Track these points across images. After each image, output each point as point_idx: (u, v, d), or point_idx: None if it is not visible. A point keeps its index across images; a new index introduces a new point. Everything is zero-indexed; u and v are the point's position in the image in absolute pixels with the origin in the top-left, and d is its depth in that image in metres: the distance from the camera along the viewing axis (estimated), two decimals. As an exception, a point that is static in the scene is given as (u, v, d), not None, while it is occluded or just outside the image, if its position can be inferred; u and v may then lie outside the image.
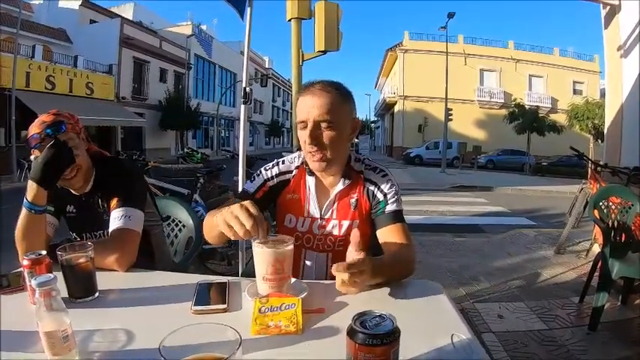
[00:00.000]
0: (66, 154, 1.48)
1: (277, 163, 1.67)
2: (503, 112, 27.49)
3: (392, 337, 0.74)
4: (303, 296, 1.13)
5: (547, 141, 24.15)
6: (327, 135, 1.44)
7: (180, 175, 5.36)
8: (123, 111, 23.63)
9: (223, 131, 39.76)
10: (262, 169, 1.68)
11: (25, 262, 1.14)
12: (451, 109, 23.42)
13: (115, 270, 1.44)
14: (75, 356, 0.89)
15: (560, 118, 24.08)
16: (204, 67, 35.68)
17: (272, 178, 1.64)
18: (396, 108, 36.29)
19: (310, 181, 1.59)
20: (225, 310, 1.12)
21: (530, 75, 34.84)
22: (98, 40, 23.52)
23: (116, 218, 1.59)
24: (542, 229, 6.83)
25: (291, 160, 1.67)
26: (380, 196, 1.56)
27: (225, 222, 1.16)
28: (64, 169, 1.51)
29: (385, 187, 1.57)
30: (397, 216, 1.53)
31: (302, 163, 1.63)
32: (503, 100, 33.30)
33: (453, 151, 25.86)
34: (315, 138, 1.44)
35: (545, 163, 24.26)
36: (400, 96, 34.62)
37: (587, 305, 3.35)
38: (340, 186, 1.56)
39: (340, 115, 1.45)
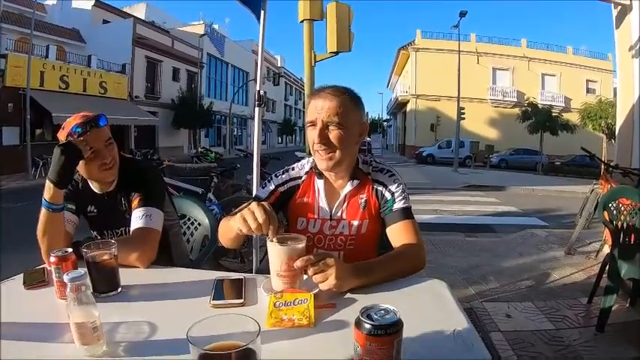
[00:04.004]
0: (76, 154, 1.55)
1: (287, 170, 1.75)
2: (516, 111, 27.19)
3: (395, 328, 0.80)
4: (315, 292, 1.20)
5: (560, 140, 23.80)
6: (335, 135, 1.51)
7: (194, 174, 5.41)
8: (136, 110, 23.77)
9: (236, 130, 39.82)
10: (273, 175, 1.76)
11: (53, 259, 1.22)
12: (463, 108, 23.23)
13: (136, 267, 1.52)
14: (103, 346, 0.97)
15: (574, 117, 23.66)
16: (216, 66, 35.65)
17: (283, 184, 1.71)
18: (409, 107, 36.14)
19: (319, 183, 1.66)
20: (242, 305, 1.19)
21: (543, 74, 34.47)
22: (111, 40, 23.66)
23: (137, 217, 1.67)
24: (554, 229, 6.74)
25: (300, 167, 1.74)
26: (388, 195, 1.62)
27: (242, 216, 1.26)
28: (74, 167, 1.59)
29: (392, 186, 1.63)
30: (405, 213, 1.59)
31: (311, 168, 1.70)
32: (516, 99, 32.94)
33: (465, 150, 25.65)
34: (324, 137, 1.51)
35: (558, 163, 24.00)
36: (412, 95, 34.48)
37: (596, 306, 3.33)
38: (349, 187, 1.63)
39: (348, 117, 1.52)
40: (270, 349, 0.86)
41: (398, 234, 1.56)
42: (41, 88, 18.07)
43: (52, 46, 20.13)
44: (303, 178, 1.71)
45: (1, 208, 8.44)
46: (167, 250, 1.94)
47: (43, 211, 1.55)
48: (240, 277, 1.36)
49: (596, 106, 20.92)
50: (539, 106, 25.45)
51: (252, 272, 1.92)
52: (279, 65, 51.46)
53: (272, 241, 1.24)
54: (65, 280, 0.98)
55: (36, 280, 1.36)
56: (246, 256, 4.54)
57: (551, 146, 24.82)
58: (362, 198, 1.64)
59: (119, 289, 1.30)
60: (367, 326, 0.80)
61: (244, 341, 0.68)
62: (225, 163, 7.01)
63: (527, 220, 8.28)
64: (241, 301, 1.20)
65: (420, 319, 1.05)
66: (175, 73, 29.57)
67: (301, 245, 1.25)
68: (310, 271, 1.21)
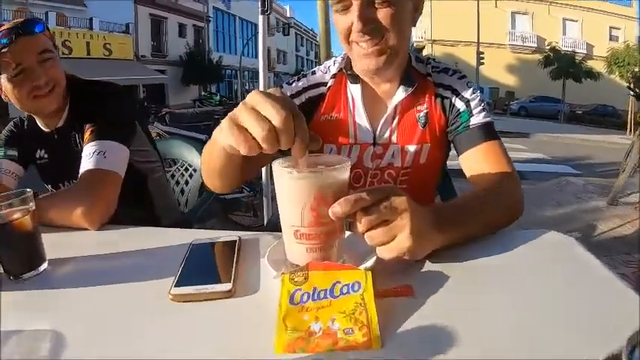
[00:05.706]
0: None
1: (305, 75, 1.17)
2: (537, 57, 26.98)
3: None
4: (370, 264, 0.64)
5: (581, 89, 23.64)
6: (383, 14, 0.91)
7: (196, 120, 4.96)
8: (143, 69, 24.11)
9: (247, 84, 38.94)
10: (285, 83, 1.19)
11: None
12: (483, 53, 22.57)
13: (84, 228, 1.01)
14: None
15: (597, 65, 23.06)
16: (223, 20, 35.72)
17: (299, 92, 1.13)
18: (424, 52, 35.18)
19: (355, 90, 1.08)
20: (229, 294, 0.64)
21: (564, 19, 33.56)
22: (112, 1, 23.37)
23: (87, 156, 1.15)
24: (590, 177, 6.47)
25: (324, 70, 1.15)
26: (460, 105, 1.06)
27: (232, 121, 0.58)
28: None
29: (466, 92, 1.06)
30: (488, 131, 1.04)
31: (340, 70, 1.12)
32: (536, 45, 32.37)
33: (484, 97, 24.69)
34: (369, 20, 0.91)
35: (579, 112, 24.04)
36: (428, 40, 33.83)
37: (654, 263, 3.11)
38: (401, 94, 1.05)
39: None
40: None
41: (479, 162, 1.00)
42: (43, 56, 18.13)
43: (51, 13, 20.13)
44: (329, 84, 1.12)
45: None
46: (145, 204, 1.47)
47: None
48: (234, 238, 0.82)
49: (624, 51, 20.00)
50: (562, 51, 24.73)
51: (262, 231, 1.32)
52: (288, 15, 50.47)
53: (285, 164, 0.64)
54: None
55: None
56: (259, 208, 4.04)
57: (572, 95, 24.55)
58: (421, 111, 1.07)
59: (42, 268, 0.79)
60: None
61: None
62: (234, 107, 6.69)
63: (559, 167, 8.14)
64: (228, 287, 0.64)
65: (575, 312, 0.56)
66: (181, 29, 29.57)
67: (342, 175, 0.64)
68: (363, 224, 0.61)
